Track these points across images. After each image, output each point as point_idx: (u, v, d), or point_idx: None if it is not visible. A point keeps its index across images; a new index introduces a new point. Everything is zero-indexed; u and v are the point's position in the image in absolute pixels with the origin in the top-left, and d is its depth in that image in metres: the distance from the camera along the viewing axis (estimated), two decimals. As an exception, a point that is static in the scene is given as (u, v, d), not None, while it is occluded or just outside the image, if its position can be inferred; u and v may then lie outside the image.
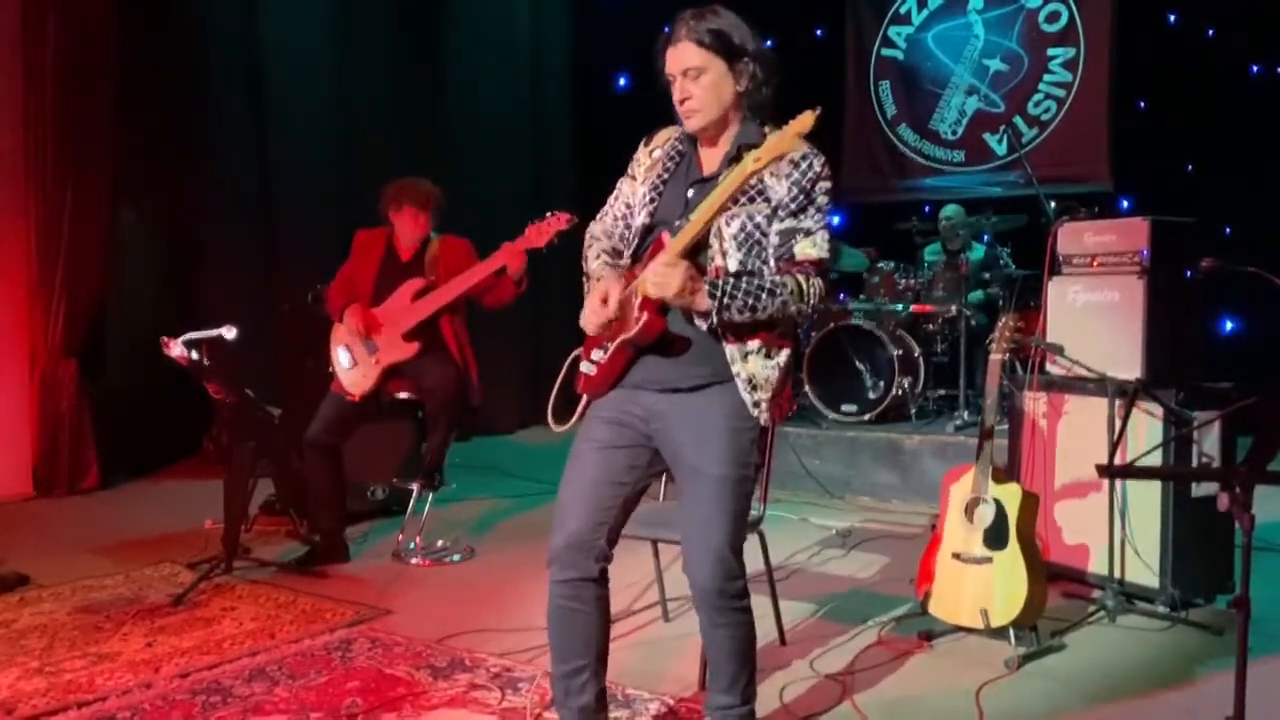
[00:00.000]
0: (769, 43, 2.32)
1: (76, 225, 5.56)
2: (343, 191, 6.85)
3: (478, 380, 4.40)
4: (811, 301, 2.23)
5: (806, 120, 2.11)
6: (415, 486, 4.44)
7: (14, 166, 5.54)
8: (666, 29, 2.35)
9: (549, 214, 4.13)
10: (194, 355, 3.78)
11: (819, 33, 8.71)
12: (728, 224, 2.21)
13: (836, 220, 8.45)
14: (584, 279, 2.40)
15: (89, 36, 5.54)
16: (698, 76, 2.26)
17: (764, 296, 2.17)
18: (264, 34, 6.56)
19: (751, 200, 2.22)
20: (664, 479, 3.30)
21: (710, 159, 2.33)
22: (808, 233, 2.24)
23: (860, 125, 8.50)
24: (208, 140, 6.36)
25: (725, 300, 2.15)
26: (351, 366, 4.27)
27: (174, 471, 6.10)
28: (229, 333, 3.93)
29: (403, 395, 4.38)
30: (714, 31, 2.26)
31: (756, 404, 2.24)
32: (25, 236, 5.56)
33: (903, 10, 8.33)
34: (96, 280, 5.72)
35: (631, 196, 2.42)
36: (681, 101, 2.28)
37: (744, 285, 2.17)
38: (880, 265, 6.47)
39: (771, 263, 2.24)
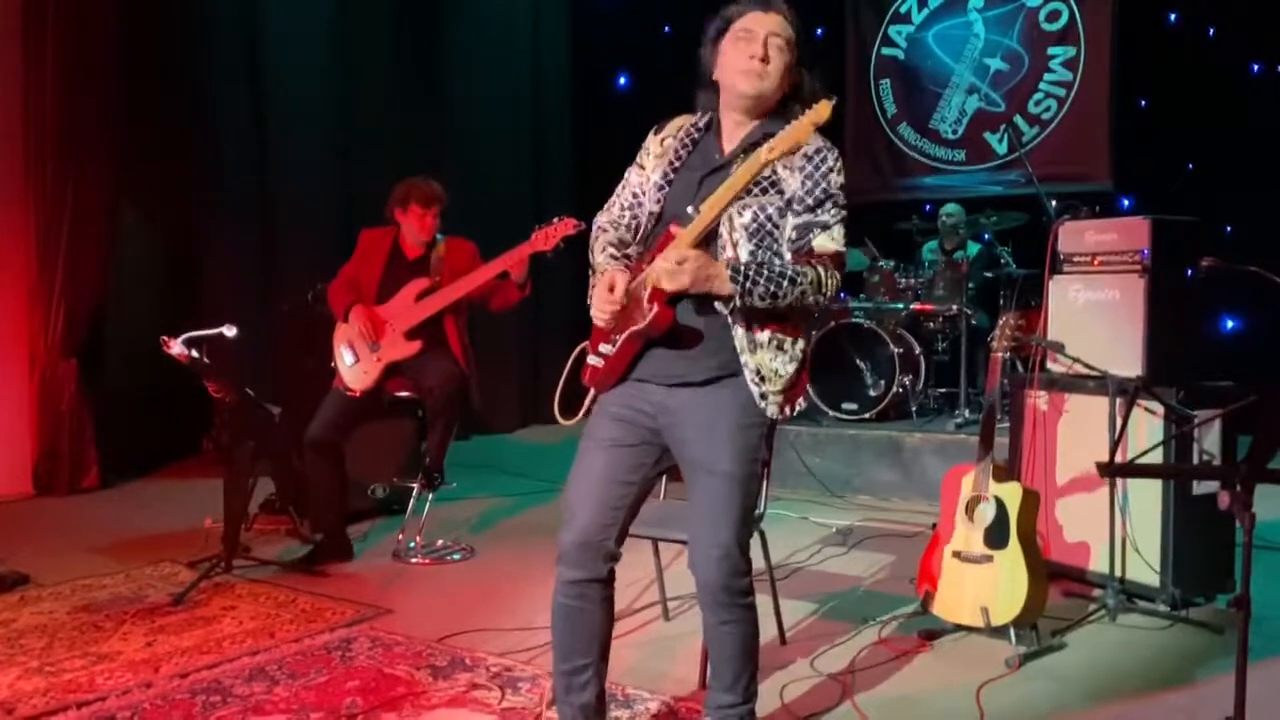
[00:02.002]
0: (805, 64, 2.32)
1: (76, 225, 5.56)
2: (343, 191, 6.86)
3: (478, 380, 4.40)
4: (828, 294, 2.22)
5: (823, 111, 2.10)
6: (415, 486, 4.44)
7: (14, 167, 5.53)
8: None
9: (555, 219, 4.10)
10: (194, 354, 3.78)
11: (819, 33, 8.71)
12: (739, 214, 2.20)
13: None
14: (590, 272, 2.38)
15: (89, 37, 5.53)
16: (780, 49, 2.25)
17: (785, 284, 2.16)
18: (264, 34, 6.56)
19: (764, 192, 2.21)
20: (664, 477, 3.30)
21: (731, 140, 2.30)
22: (825, 227, 2.23)
23: (860, 124, 8.50)
24: (208, 140, 6.36)
25: (748, 285, 2.13)
26: (354, 364, 4.28)
27: (174, 471, 6.10)
28: (229, 332, 3.92)
29: (403, 394, 4.38)
30: (797, 30, 2.29)
31: (764, 396, 2.22)
32: (25, 236, 5.55)
33: (903, 9, 8.33)
34: (96, 280, 5.72)
35: (640, 185, 2.40)
36: (761, 59, 2.23)
37: (765, 271, 2.15)
38: (881, 264, 6.47)
39: (786, 255, 2.23)
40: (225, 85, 6.44)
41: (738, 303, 2.15)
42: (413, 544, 4.32)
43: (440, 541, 4.45)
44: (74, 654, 3.15)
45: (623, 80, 8.95)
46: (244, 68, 6.53)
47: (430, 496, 4.40)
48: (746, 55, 2.23)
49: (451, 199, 4.51)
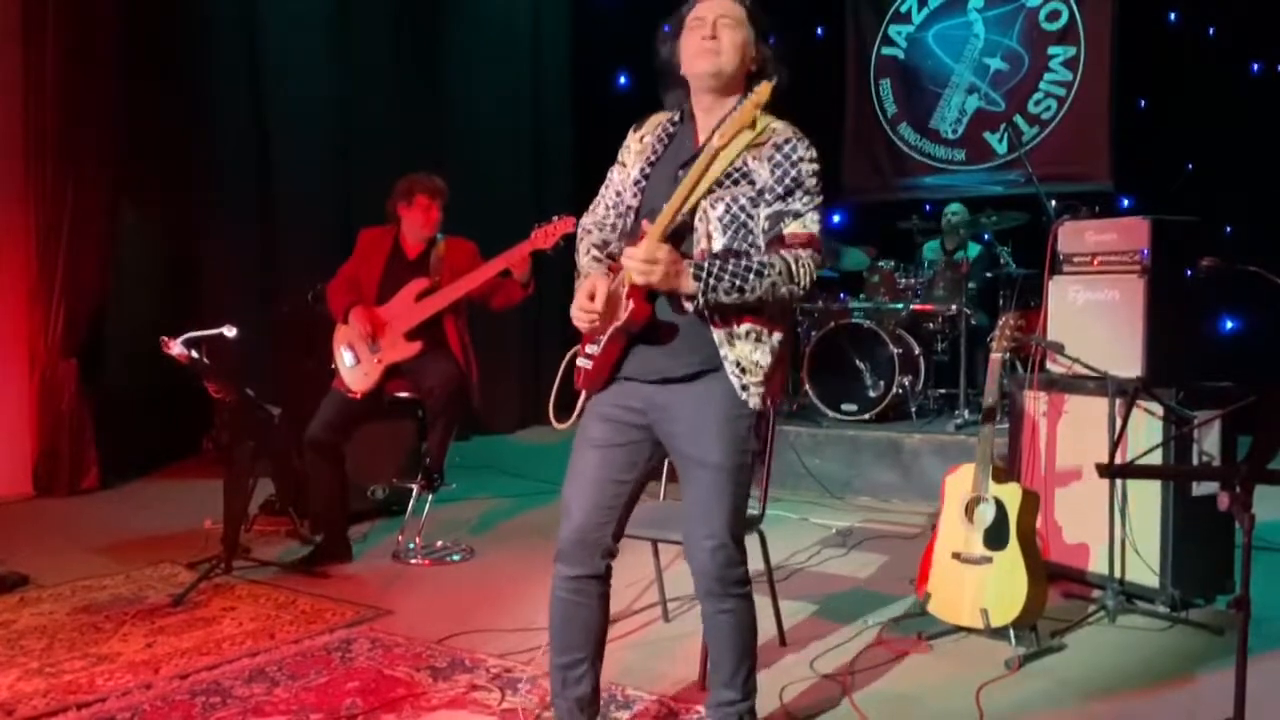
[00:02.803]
0: (769, 40, 2.34)
1: (76, 225, 5.56)
2: (343, 191, 6.86)
3: (478, 381, 4.40)
4: (803, 282, 2.20)
5: (763, 92, 2.14)
6: (415, 487, 4.44)
7: (14, 167, 5.53)
8: (668, 29, 2.36)
9: (555, 217, 4.11)
10: (194, 354, 3.78)
11: (819, 32, 8.71)
12: (713, 207, 2.21)
13: (837, 219, 8.46)
14: (575, 275, 2.40)
15: (89, 36, 5.53)
16: (731, 27, 2.26)
17: (751, 277, 2.16)
18: (264, 34, 6.56)
19: (736, 183, 2.22)
20: (664, 478, 3.30)
21: (704, 129, 2.31)
22: (796, 215, 2.23)
23: (860, 124, 8.51)
24: (208, 140, 6.36)
25: (711, 282, 2.14)
26: (354, 365, 4.27)
27: (174, 471, 6.10)
28: (229, 332, 3.92)
29: (403, 395, 4.38)
30: (751, 7, 2.31)
31: (745, 388, 2.22)
32: (25, 236, 5.55)
33: (903, 9, 8.33)
34: (96, 280, 5.71)
35: (622, 184, 2.41)
36: (710, 38, 2.24)
37: (730, 266, 2.15)
38: (880, 264, 6.47)
39: (761, 245, 2.24)
40: (225, 85, 6.43)
41: (700, 301, 2.15)
42: (412, 545, 4.32)
43: (440, 542, 4.45)
44: (74, 655, 3.15)
45: (623, 80, 8.93)
46: (244, 68, 6.52)
47: (430, 497, 4.39)
48: (699, 38, 2.26)
49: (451, 199, 4.51)
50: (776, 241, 2.22)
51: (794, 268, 2.19)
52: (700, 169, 2.17)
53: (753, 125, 2.21)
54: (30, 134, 5.52)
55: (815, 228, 2.25)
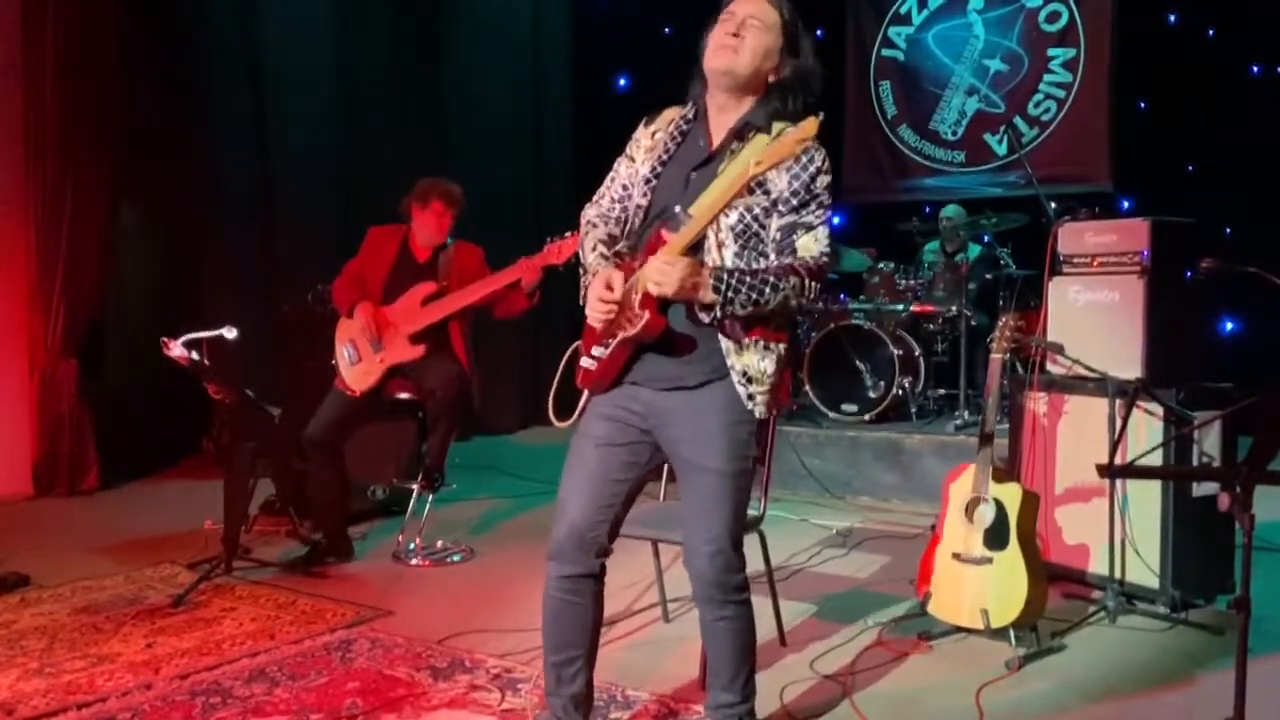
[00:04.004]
0: (799, 55, 2.33)
1: (76, 225, 5.56)
2: (343, 193, 6.86)
3: (479, 382, 4.40)
4: (810, 296, 2.23)
5: (810, 128, 2.12)
6: (415, 487, 4.44)
7: (14, 167, 5.53)
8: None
9: (569, 233, 4.09)
10: (194, 355, 3.78)
11: (819, 33, 8.71)
12: (726, 215, 2.20)
13: (837, 220, 8.46)
14: (581, 271, 2.39)
15: (89, 37, 5.54)
16: (759, 30, 2.25)
17: (767, 290, 2.16)
18: (264, 34, 6.56)
19: (751, 192, 2.21)
20: (664, 478, 3.30)
21: (718, 129, 2.30)
22: (809, 228, 2.24)
23: (860, 126, 8.50)
24: (208, 140, 6.36)
25: (729, 294, 2.14)
26: (355, 363, 4.27)
27: (174, 471, 6.10)
28: (229, 333, 3.92)
29: (404, 395, 4.38)
30: (791, 13, 2.29)
31: (751, 397, 2.23)
32: (25, 236, 5.55)
33: (903, 10, 8.33)
34: (96, 280, 5.72)
35: (630, 178, 2.40)
36: (732, 34, 2.23)
37: (748, 279, 2.16)
38: (880, 265, 6.47)
39: (771, 256, 2.24)
40: (225, 85, 6.44)
41: (718, 312, 2.16)
42: (412, 545, 4.32)
43: (440, 543, 4.45)
44: (74, 655, 3.15)
45: (623, 80, 8.94)
46: (244, 68, 6.53)
47: (430, 498, 4.40)
48: (723, 33, 2.25)
49: (455, 200, 4.50)
50: (789, 254, 2.23)
51: (805, 282, 2.21)
52: (733, 189, 2.13)
53: (769, 129, 2.22)
54: (30, 134, 5.52)
55: (826, 242, 2.25)
